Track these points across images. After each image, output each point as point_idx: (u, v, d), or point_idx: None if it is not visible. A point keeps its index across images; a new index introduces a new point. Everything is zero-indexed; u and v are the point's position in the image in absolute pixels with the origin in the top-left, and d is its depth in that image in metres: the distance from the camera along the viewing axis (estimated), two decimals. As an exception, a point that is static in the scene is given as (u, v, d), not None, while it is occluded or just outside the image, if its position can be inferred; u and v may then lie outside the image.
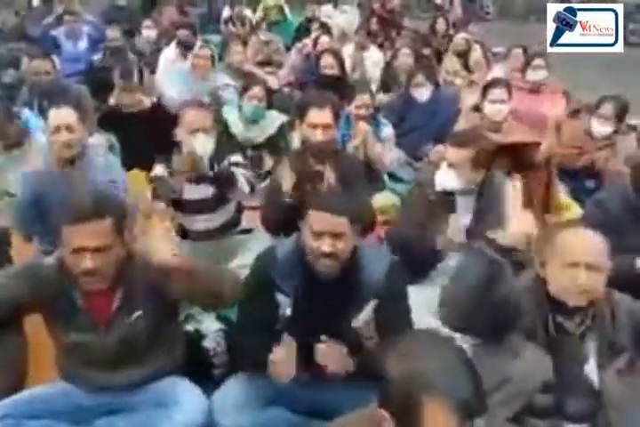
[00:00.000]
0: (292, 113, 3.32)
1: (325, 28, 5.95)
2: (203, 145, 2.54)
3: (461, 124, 3.56)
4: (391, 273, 1.76)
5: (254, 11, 7.88)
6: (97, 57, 5.19)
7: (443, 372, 1.01)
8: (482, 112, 3.50)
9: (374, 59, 5.23)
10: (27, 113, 3.11)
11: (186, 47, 4.61)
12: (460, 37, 5.38)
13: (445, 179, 2.27)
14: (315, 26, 6.24)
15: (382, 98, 4.32)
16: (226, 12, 7.91)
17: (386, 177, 3.51)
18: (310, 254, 1.72)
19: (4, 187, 2.85)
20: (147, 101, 3.55)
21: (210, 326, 2.16)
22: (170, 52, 4.78)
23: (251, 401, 1.76)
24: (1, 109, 2.86)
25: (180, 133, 2.61)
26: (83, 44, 5.43)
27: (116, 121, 3.43)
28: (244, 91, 3.52)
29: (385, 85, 4.73)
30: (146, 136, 3.26)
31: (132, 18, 7.38)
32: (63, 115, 2.59)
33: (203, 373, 2.02)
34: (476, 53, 5.21)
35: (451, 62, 5.15)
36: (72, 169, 2.58)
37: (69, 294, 1.69)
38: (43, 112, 3.13)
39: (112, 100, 3.54)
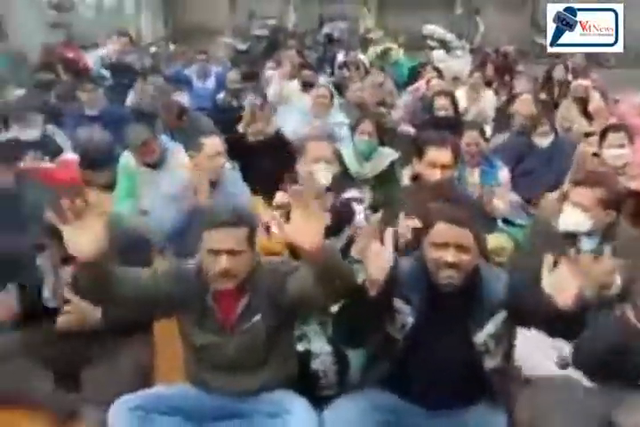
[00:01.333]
0: (406, 151, 3.41)
1: (438, 72, 6.09)
2: (324, 175, 2.67)
3: (579, 170, 3.45)
4: (514, 290, 1.74)
5: (366, 55, 8.26)
6: (221, 96, 5.65)
7: None
8: (601, 157, 3.40)
9: (488, 101, 5.25)
10: (164, 138, 3.43)
11: (307, 85, 4.90)
12: (578, 84, 5.27)
13: (571, 219, 2.21)
14: (427, 69, 6.40)
15: (496, 140, 4.31)
16: (341, 57, 8.36)
17: (499, 220, 3.46)
18: (432, 266, 1.73)
19: (140, 203, 3.13)
20: (270, 131, 3.78)
21: (321, 348, 2.21)
22: (292, 88, 5.11)
23: (361, 421, 1.76)
24: (147, 127, 3.15)
25: (301, 164, 2.76)
26: (210, 82, 5.91)
27: (241, 149, 3.67)
28: (355, 126, 3.65)
29: (498, 129, 4.71)
30: (268, 164, 3.49)
31: (253, 60, 8.02)
32: (216, 143, 2.92)
33: (309, 393, 2.06)
34: (596, 100, 5.07)
35: (568, 109, 5.05)
36: (214, 190, 2.83)
37: (203, 296, 1.83)
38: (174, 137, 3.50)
39: (240, 129, 3.82)
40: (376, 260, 1.61)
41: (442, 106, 4.10)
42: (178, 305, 1.85)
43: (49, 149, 3.51)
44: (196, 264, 1.86)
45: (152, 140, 3.10)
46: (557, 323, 1.59)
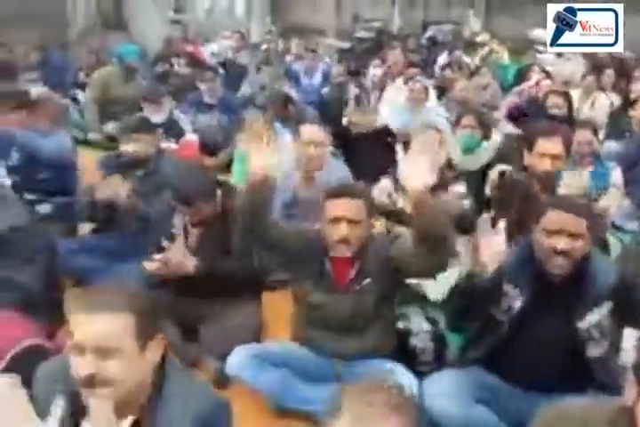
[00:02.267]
0: (505, 151, 3.40)
1: (546, 74, 5.94)
2: (428, 168, 2.72)
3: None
4: (625, 279, 1.73)
5: (470, 57, 8.18)
6: (326, 90, 5.86)
7: None
8: None
9: (601, 106, 5.06)
10: (276, 124, 3.65)
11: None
12: None
13: None
14: (535, 71, 6.25)
15: (611, 146, 4.17)
16: (443, 58, 8.33)
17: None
18: (542, 253, 1.75)
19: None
20: (374, 124, 3.90)
21: (419, 326, 2.28)
22: (396, 87, 5.21)
23: (461, 394, 1.82)
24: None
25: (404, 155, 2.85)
26: (317, 78, 6.13)
27: (345, 140, 3.81)
28: (457, 120, 3.68)
29: (610, 135, 4.55)
30: (370, 155, 3.60)
31: (356, 59, 8.21)
32: (314, 131, 3.02)
33: (407, 369, 2.14)
34: None
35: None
36: (313, 177, 2.98)
37: (322, 258, 1.98)
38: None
39: (344, 121, 3.96)
40: (489, 247, 1.69)
41: (555, 104, 4.01)
42: (300, 262, 2.01)
43: (174, 131, 3.82)
44: (318, 231, 2.02)
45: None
46: None
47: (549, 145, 2.49)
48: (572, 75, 6.38)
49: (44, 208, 2.75)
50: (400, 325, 2.25)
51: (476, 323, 1.99)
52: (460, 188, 2.91)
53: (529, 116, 4.46)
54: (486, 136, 3.69)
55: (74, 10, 8.99)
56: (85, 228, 3.05)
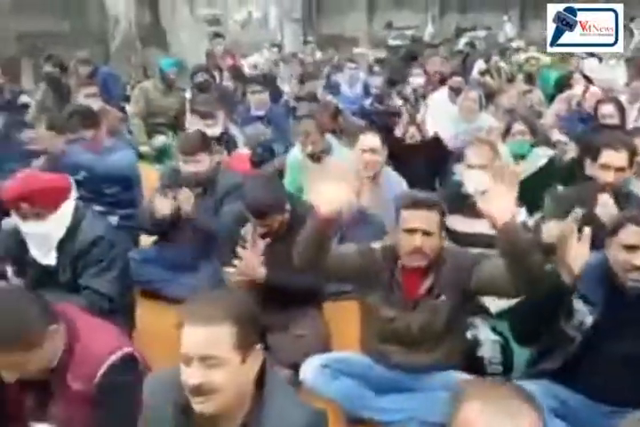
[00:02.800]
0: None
1: (588, 81, 5.87)
2: (477, 181, 2.72)
3: None
4: None
5: (507, 63, 8.14)
6: (368, 101, 5.91)
7: None
8: None
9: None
10: (328, 136, 3.70)
11: (456, 92, 4.99)
12: None
13: None
14: (575, 78, 6.19)
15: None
16: (480, 65, 8.31)
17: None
18: (618, 268, 1.75)
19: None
20: (424, 134, 3.92)
21: (487, 337, 2.29)
22: (441, 96, 5.21)
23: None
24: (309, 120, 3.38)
25: (459, 168, 2.87)
26: (358, 88, 6.19)
27: (396, 150, 3.84)
28: (507, 128, 3.66)
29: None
30: (422, 166, 3.63)
31: (392, 68, 8.25)
32: (371, 138, 3.07)
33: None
34: None
35: None
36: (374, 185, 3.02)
37: (392, 271, 1.99)
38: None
39: (397, 132, 4.00)
40: (575, 256, 1.68)
41: (608, 113, 3.93)
42: (367, 278, 2.02)
43: (228, 145, 3.91)
44: (384, 244, 2.04)
45: (314, 132, 3.36)
46: None
47: (615, 157, 2.46)
48: (613, 81, 6.30)
49: (111, 220, 2.84)
50: (468, 334, 2.27)
51: (544, 337, 1.98)
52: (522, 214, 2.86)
53: (580, 125, 4.43)
54: (537, 142, 3.68)
55: (114, 25, 9.29)
56: (148, 239, 3.14)
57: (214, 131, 3.79)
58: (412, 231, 1.91)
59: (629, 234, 1.74)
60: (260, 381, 1.30)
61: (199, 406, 1.23)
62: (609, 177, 2.48)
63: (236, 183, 2.79)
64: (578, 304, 1.83)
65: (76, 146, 3.09)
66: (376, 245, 2.08)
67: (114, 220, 2.91)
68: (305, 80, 5.56)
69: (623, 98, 5.16)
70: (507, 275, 1.75)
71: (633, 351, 1.78)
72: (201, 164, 2.85)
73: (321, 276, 2.17)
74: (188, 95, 5.60)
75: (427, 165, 3.71)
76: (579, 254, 1.72)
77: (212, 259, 2.68)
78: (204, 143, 2.90)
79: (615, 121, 3.89)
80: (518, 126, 3.58)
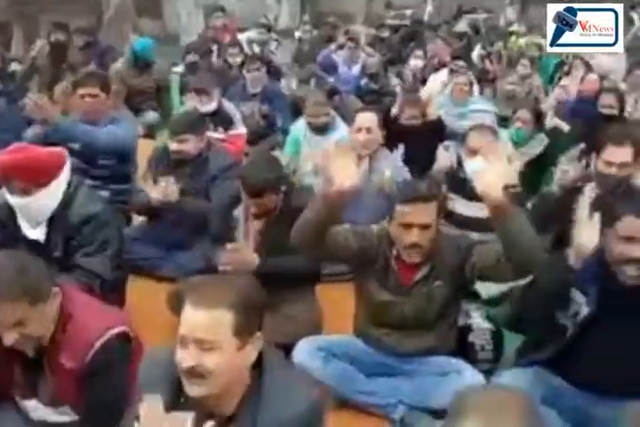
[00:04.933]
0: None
1: (588, 67, 5.83)
2: (477, 166, 2.70)
3: None
4: None
5: (506, 48, 8.06)
6: (364, 80, 5.82)
7: None
8: None
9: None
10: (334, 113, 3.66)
11: (456, 75, 4.92)
12: None
13: None
14: (575, 64, 6.14)
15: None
16: (478, 49, 8.22)
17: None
18: (614, 259, 1.73)
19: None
20: (425, 116, 3.89)
21: (479, 324, 2.30)
22: (441, 77, 5.16)
23: (531, 392, 1.80)
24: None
25: (464, 156, 2.86)
26: (356, 69, 6.08)
27: (394, 131, 3.80)
28: (512, 115, 3.67)
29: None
30: (420, 148, 3.59)
31: (391, 48, 8.13)
32: (367, 117, 3.02)
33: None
34: None
35: None
36: (366, 164, 2.99)
37: (387, 257, 1.98)
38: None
39: (393, 112, 3.95)
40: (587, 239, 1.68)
41: (608, 104, 3.91)
42: (363, 262, 2.00)
43: (223, 121, 3.85)
44: (382, 229, 2.01)
45: (324, 102, 3.40)
46: None
47: (619, 152, 2.42)
48: (612, 68, 6.26)
49: (102, 195, 2.79)
50: (460, 321, 2.26)
51: (537, 326, 1.99)
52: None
53: (578, 112, 4.40)
54: (539, 129, 3.66)
55: (108, -5, 9.04)
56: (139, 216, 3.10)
57: (208, 107, 3.74)
58: (408, 226, 1.88)
59: (626, 226, 1.71)
60: (260, 366, 1.28)
61: (190, 388, 1.22)
62: (612, 172, 2.42)
63: (227, 165, 2.76)
64: (575, 294, 1.82)
65: (77, 114, 3.00)
66: (373, 228, 2.06)
67: (105, 194, 2.85)
68: (301, 59, 5.46)
69: (622, 86, 5.15)
70: (503, 259, 1.73)
71: (625, 343, 1.78)
72: (186, 144, 2.80)
73: (318, 256, 2.13)
74: (180, 69, 5.51)
75: (427, 146, 3.67)
76: (590, 237, 1.70)
77: (204, 238, 2.64)
78: (190, 124, 2.84)
79: (615, 112, 3.88)
80: (522, 114, 3.57)
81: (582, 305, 1.81)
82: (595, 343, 1.80)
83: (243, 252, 2.25)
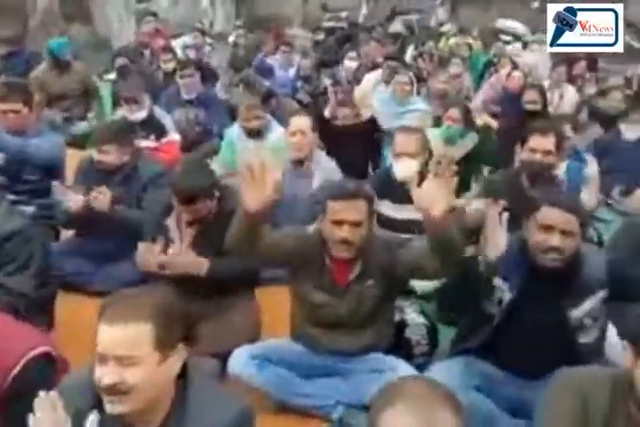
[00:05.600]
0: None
1: (514, 65, 6.06)
2: (405, 170, 2.75)
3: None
4: (615, 268, 1.82)
5: (437, 48, 8.28)
6: (299, 84, 5.85)
7: None
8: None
9: (570, 97, 5.21)
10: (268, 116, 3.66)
11: (390, 75, 5.00)
12: None
13: None
14: (502, 62, 6.37)
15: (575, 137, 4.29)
16: (412, 49, 8.41)
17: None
18: (534, 248, 1.80)
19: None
20: (359, 117, 3.92)
21: (414, 319, 2.34)
22: (375, 77, 5.23)
23: (461, 382, 1.86)
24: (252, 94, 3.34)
25: (389, 155, 2.91)
26: (292, 71, 6.10)
27: (328, 132, 3.81)
28: (442, 113, 3.75)
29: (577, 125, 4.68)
30: (354, 148, 3.63)
31: (326, 50, 8.21)
32: (301, 121, 3.04)
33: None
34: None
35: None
36: (301, 168, 3.00)
37: (322, 258, 1.99)
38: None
39: (327, 113, 3.98)
40: (495, 240, 1.74)
41: (532, 99, 4.09)
42: (298, 264, 2.01)
43: (155, 129, 3.78)
44: (316, 230, 2.03)
45: (256, 106, 3.35)
46: None
47: (543, 141, 2.58)
48: (536, 66, 6.54)
49: (28, 210, 2.69)
50: (396, 317, 2.30)
51: (467, 316, 2.05)
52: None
53: (505, 109, 4.57)
54: (469, 127, 3.77)
55: (34, 1, 8.71)
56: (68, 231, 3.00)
57: (138, 115, 3.67)
58: (339, 223, 1.90)
59: (545, 216, 1.79)
60: (184, 379, 1.27)
61: (111, 406, 1.19)
62: (536, 158, 2.58)
63: (157, 174, 2.72)
64: (497, 281, 1.89)
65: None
66: (309, 229, 2.07)
67: (30, 209, 2.75)
68: (237, 64, 5.43)
69: (546, 83, 5.38)
70: (431, 258, 1.78)
71: (547, 327, 1.86)
72: (108, 155, 2.74)
73: (254, 260, 2.13)
74: (112, 77, 5.36)
75: (361, 147, 3.72)
76: (501, 236, 1.77)
77: (136, 249, 2.58)
78: (113, 134, 2.77)
79: (538, 107, 4.05)
80: (452, 112, 3.67)
81: (505, 292, 1.88)
82: (519, 329, 1.87)
83: (189, 256, 2.22)
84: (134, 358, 1.18)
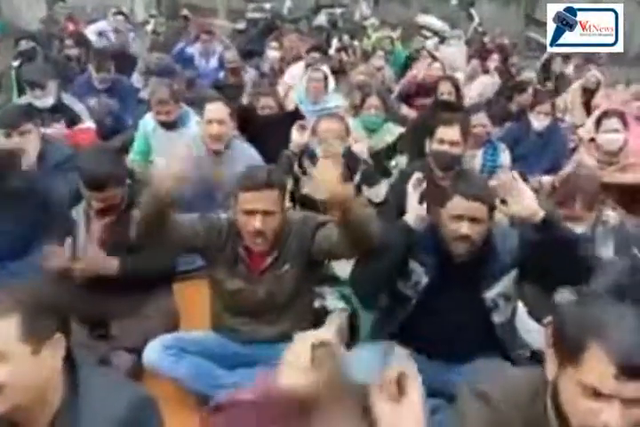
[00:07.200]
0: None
1: (434, 59, 6.23)
2: (329, 151, 2.76)
3: (582, 156, 3.59)
4: (523, 244, 1.87)
5: (360, 41, 8.40)
6: (221, 74, 5.72)
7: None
8: (596, 142, 3.54)
9: (482, 88, 5.41)
10: (185, 107, 3.52)
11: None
12: (592, 74, 5.39)
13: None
14: (423, 55, 6.53)
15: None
16: (335, 42, 8.46)
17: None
18: (446, 236, 1.85)
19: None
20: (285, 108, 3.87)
21: (334, 304, 2.35)
22: (296, 71, 5.19)
23: (380, 367, 1.89)
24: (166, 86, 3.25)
25: (313, 142, 2.89)
26: (213, 61, 5.96)
27: (249, 122, 3.73)
28: (361, 102, 3.77)
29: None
30: (277, 138, 3.58)
31: (249, 41, 8.09)
32: (217, 109, 2.95)
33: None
34: (601, 93, 5.23)
35: (573, 97, 5.19)
36: (220, 156, 2.93)
37: (235, 246, 1.94)
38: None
39: (244, 101, 3.90)
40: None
41: (446, 91, 4.21)
42: (212, 251, 1.97)
43: (65, 116, 3.58)
44: (229, 218, 1.98)
45: (169, 100, 3.24)
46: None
47: (449, 132, 2.65)
48: (454, 60, 6.76)
49: None
50: (316, 303, 2.30)
51: (384, 299, 2.07)
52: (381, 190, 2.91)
53: (420, 99, 4.67)
54: (390, 117, 3.81)
55: None
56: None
57: (44, 102, 3.45)
58: (251, 213, 1.86)
59: (455, 205, 1.83)
60: (73, 372, 1.20)
61: None
62: (444, 149, 2.66)
63: (64, 158, 2.58)
64: (413, 265, 1.92)
65: None
66: (222, 216, 2.02)
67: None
68: (156, 52, 5.23)
69: (462, 76, 5.57)
70: (344, 242, 1.78)
71: (461, 311, 1.90)
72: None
73: (167, 253, 2.09)
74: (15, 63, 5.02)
75: (284, 137, 3.67)
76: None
77: (41, 242, 2.42)
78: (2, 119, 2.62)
79: (452, 98, 4.18)
80: (371, 101, 3.69)
81: (422, 275, 1.91)
82: (435, 312, 1.91)
83: (99, 255, 2.15)
84: (1, 353, 1.11)
